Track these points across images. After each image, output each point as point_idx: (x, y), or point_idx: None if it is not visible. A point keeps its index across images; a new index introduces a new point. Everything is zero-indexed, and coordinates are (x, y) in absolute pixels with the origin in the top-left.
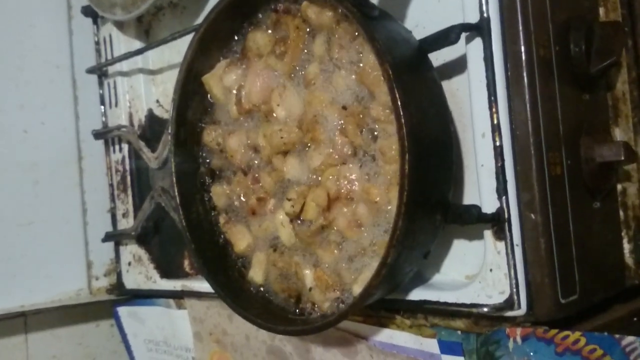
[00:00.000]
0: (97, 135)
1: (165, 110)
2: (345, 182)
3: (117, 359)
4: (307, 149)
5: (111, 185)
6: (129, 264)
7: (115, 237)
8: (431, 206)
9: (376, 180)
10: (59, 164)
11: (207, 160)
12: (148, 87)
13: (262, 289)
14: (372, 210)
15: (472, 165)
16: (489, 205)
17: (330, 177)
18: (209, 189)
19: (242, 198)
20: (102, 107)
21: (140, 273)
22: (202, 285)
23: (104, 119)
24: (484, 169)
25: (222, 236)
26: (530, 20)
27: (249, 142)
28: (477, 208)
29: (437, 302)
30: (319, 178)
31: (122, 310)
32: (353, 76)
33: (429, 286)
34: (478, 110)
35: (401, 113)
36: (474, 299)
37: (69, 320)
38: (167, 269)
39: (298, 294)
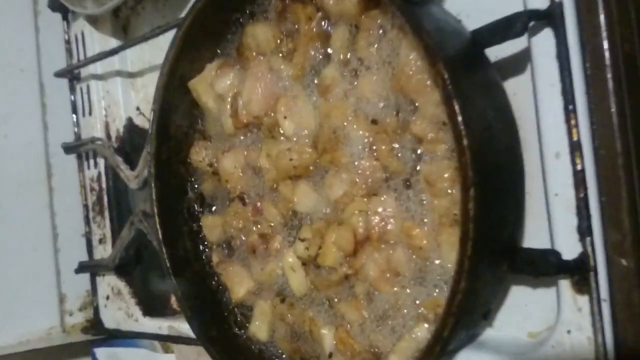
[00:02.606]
0: (68, 149)
1: (147, 119)
2: (378, 220)
3: None
4: (324, 174)
5: (85, 206)
6: (107, 297)
7: (91, 269)
8: (498, 254)
9: (420, 218)
10: (25, 182)
11: (196, 184)
12: (127, 92)
13: (266, 347)
14: (416, 257)
15: (538, 194)
16: (568, 248)
17: (357, 212)
18: (198, 220)
19: (240, 232)
20: (74, 116)
21: (120, 309)
22: None
23: (76, 129)
24: (558, 199)
25: (216, 278)
26: (613, 5)
27: (248, 163)
28: (556, 254)
29: None
30: (341, 213)
31: (100, 352)
32: (386, 81)
33: (479, 346)
34: (549, 123)
35: (463, 131)
36: None
37: (38, 358)
38: (151, 305)
39: (315, 358)
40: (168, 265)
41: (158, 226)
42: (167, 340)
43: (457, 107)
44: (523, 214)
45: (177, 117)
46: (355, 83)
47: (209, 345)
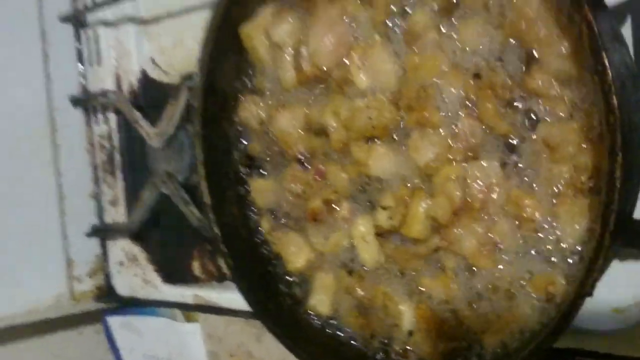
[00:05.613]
0: (77, 101)
1: (163, 72)
2: (478, 187)
3: None
4: (405, 135)
5: (94, 165)
6: (121, 264)
7: (105, 232)
8: (622, 227)
9: (530, 187)
10: (27, 139)
11: (243, 145)
12: (140, 41)
13: (328, 322)
14: (524, 229)
15: None
16: None
17: (453, 178)
18: (244, 183)
19: (298, 198)
20: (81, 65)
21: (136, 275)
22: (222, 296)
23: (83, 81)
24: None
25: (266, 247)
26: None
27: (309, 121)
28: None
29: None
30: (430, 179)
31: (114, 321)
32: (494, 26)
33: None
34: None
35: (613, 87)
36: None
37: (43, 327)
38: (171, 272)
39: (388, 336)
40: (219, 233)
41: (207, 191)
42: (194, 310)
43: (606, 60)
44: None
45: (225, 68)
46: (454, 29)
47: (270, 322)
